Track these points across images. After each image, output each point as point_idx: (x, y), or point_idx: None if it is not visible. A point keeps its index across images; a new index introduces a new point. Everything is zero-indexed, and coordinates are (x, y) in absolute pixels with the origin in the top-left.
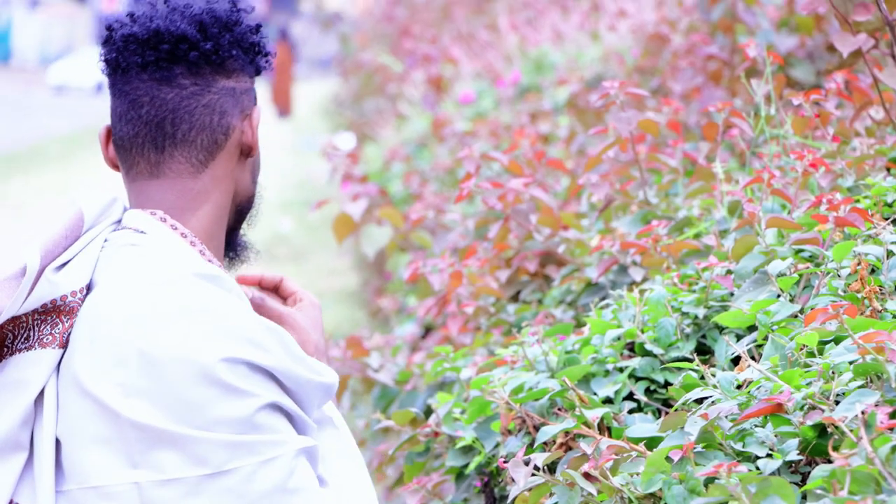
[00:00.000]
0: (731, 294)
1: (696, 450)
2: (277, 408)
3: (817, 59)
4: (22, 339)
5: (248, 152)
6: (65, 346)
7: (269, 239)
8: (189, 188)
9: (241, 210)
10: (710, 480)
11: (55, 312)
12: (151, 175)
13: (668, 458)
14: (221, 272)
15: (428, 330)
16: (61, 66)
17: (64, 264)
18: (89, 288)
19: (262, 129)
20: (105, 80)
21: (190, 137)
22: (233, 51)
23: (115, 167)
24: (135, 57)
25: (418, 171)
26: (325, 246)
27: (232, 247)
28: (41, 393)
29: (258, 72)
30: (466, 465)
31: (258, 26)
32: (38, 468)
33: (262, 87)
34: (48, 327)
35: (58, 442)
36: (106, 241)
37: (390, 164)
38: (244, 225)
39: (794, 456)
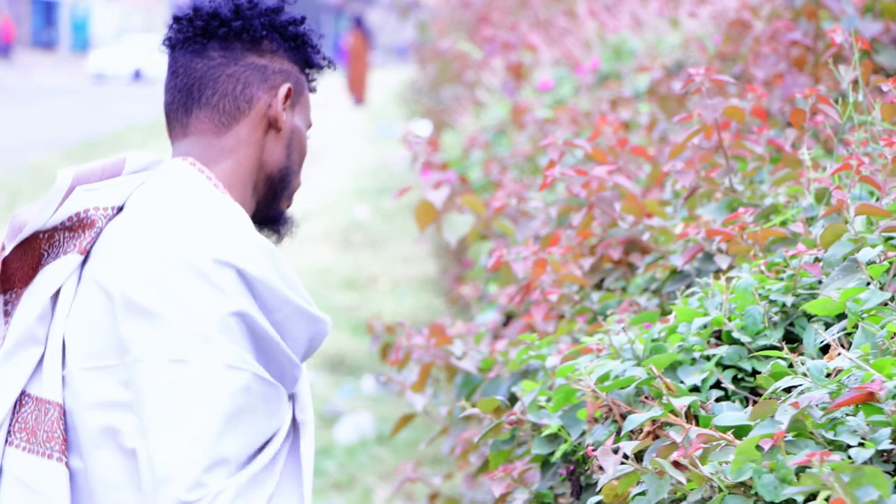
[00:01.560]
0: (820, 282)
1: (786, 438)
2: (247, 322)
3: None
4: (52, 256)
5: (275, 125)
6: (85, 253)
7: (345, 226)
8: (212, 144)
9: (271, 180)
10: (801, 469)
11: (80, 227)
12: (183, 135)
13: (758, 447)
14: (233, 202)
15: (509, 318)
16: (100, 54)
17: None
18: (120, 211)
19: (338, 116)
20: (141, 67)
21: (213, 102)
22: (266, 32)
23: None
24: (178, 34)
25: (497, 159)
26: (402, 233)
27: (271, 219)
28: (59, 293)
29: (309, 64)
30: (552, 454)
31: (303, 19)
32: (47, 358)
33: (337, 76)
34: (73, 241)
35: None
36: (143, 183)
37: (469, 152)
38: (282, 198)
39: (886, 445)
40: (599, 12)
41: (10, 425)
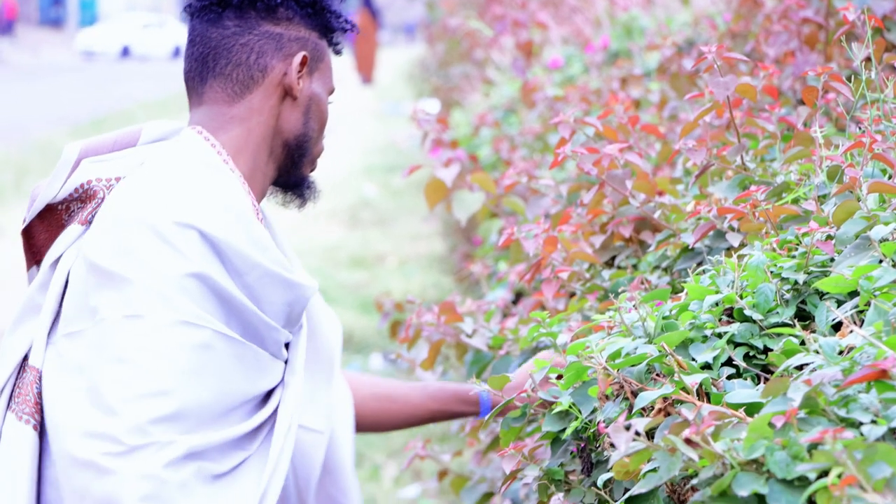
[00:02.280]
0: (832, 259)
1: (799, 416)
2: (208, 283)
3: None
4: (68, 227)
5: (291, 93)
6: (87, 223)
7: (353, 204)
8: (223, 112)
9: (289, 147)
10: (813, 447)
11: (86, 198)
12: (198, 104)
13: (770, 424)
14: (226, 168)
15: (519, 295)
16: (88, 32)
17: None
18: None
19: (346, 95)
20: (129, 45)
21: (226, 71)
22: (281, 0)
23: None
24: (196, 2)
25: (507, 137)
26: (410, 211)
27: (293, 185)
28: (58, 262)
29: (329, 28)
30: (563, 431)
31: None
32: (37, 325)
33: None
34: (81, 212)
35: None
36: (147, 154)
37: (479, 130)
38: (303, 164)
39: None
40: None
41: (11, 393)
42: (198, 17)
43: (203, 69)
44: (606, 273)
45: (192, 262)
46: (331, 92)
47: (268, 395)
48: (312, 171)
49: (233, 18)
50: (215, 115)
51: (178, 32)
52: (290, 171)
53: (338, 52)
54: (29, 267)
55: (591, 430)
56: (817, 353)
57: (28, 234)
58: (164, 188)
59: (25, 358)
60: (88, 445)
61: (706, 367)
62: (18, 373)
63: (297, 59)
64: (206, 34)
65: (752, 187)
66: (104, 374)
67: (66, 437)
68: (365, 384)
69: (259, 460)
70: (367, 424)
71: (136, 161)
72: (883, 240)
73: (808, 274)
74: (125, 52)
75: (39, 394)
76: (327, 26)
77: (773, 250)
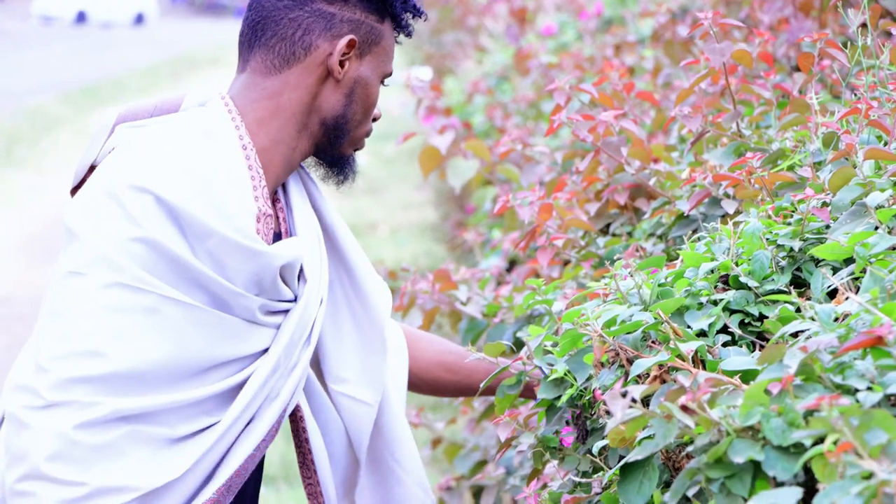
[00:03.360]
0: (828, 226)
1: (795, 383)
2: (157, 248)
3: None
4: None
5: (333, 74)
6: None
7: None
8: (257, 83)
9: (326, 126)
10: (809, 413)
11: None
12: (241, 70)
13: (766, 391)
14: (232, 138)
15: (513, 263)
16: None
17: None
18: None
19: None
20: (85, 10)
21: (270, 43)
22: None
23: None
24: None
25: (501, 104)
26: (402, 179)
27: (332, 163)
28: None
29: (392, 12)
30: (558, 398)
31: None
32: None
33: None
34: None
35: None
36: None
37: (472, 97)
38: (342, 144)
39: (894, 389)
40: None
41: None
42: None
43: (252, 37)
44: (601, 241)
45: (143, 227)
46: (386, 76)
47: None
48: (357, 150)
49: None
50: (250, 84)
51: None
52: (327, 150)
53: (408, 34)
54: None
55: (587, 398)
56: (813, 320)
57: None
58: (135, 154)
59: None
60: (14, 398)
61: (701, 334)
62: None
63: (343, 42)
64: (261, 2)
65: (748, 154)
66: (43, 328)
67: (3, 390)
68: (433, 349)
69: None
70: (423, 388)
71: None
72: (879, 206)
73: (804, 241)
74: (80, 17)
75: None
76: (390, 10)
77: (769, 217)
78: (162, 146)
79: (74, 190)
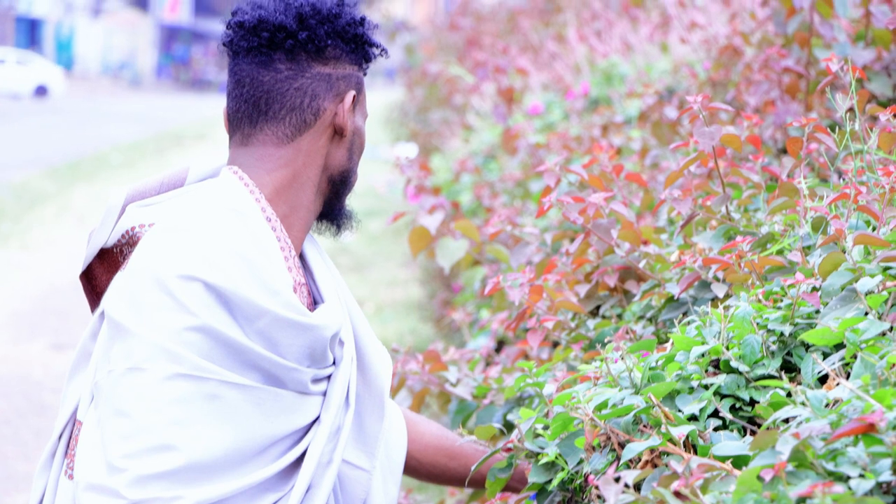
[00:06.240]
0: (818, 311)
1: (787, 469)
2: (212, 334)
3: (894, 73)
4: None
5: (340, 132)
6: None
7: (331, 248)
8: (270, 154)
9: (333, 181)
10: (802, 500)
11: (133, 244)
12: (243, 144)
13: (759, 478)
14: (256, 211)
15: (501, 343)
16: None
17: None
18: None
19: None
20: (45, 83)
21: (280, 115)
22: (330, 41)
23: None
24: (242, 42)
25: (488, 183)
26: (388, 256)
27: (336, 215)
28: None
29: (367, 59)
30: (549, 482)
31: (362, 19)
32: (88, 371)
33: None
34: (129, 258)
35: None
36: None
37: (459, 176)
38: (344, 196)
39: (887, 476)
40: (589, 36)
41: (67, 445)
42: (245, 58)
43: (254, 112)
44: (591, 322)
45: (196, 315)
46: (366, 118)
47: (307, 432)
48: (347, 198)
49: (284, 61)
50: (261, 156)
51: (41, 70)
52: (334, 204)
53: (363, 74)
54: (93, 310)
55: (578, 482)
56: (804, 405)
57: (89, 276)
58: (176, 239)
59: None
60: (91, 499)
61: (693, 418)
62: (74, 425)
63: (349, 98)
64: (257, 77)
65: (738, 238)
66: (109, 427)
67: (77, 491)
68: (432, 432)
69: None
70: (422, 472)
71: (178, 203)
72: (869, 292)
73: (795, 326)
74: (40, 90)
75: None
76: (366, 58)
77: (759, 301)
78: (198, 229)
79: (85, 274)
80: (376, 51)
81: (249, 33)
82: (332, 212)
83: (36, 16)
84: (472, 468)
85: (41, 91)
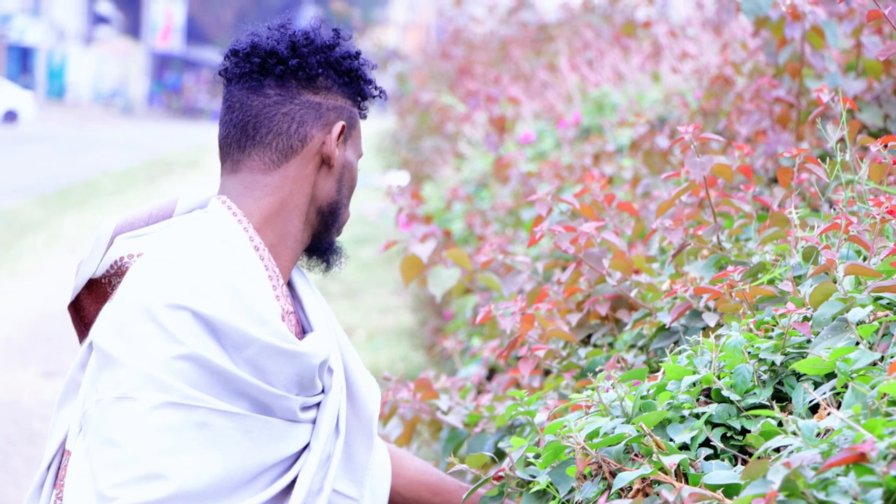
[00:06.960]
0: (809, 341)
1: (778, 499)
2: (200, 362)
3: (885, 104)
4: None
5: (328, 161)
6: None
7: (320, 276)
8: (257, 181)
9: (322, 213)
10: None
11: (121, 274)
12: (232, 171)
13: None
14: (244, 240)
15: (493, 372)
16: None
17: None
18: None
19: None
20: (15, 109)
21: (266, 140)
22: (321, 70)
23: None
24: (235, 68)
25: (479, 212)
26: (379, 283)
27: (325, 250)
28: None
29: (363, 96)
30: None
31: (357, 53)
32: (76, 402)
33: None
34: (118, 289)
35: None
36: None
37: (451, 204)
38: (333, 230)
39: None
40: (581, 66)
41: (56, 475)
42: (237, 84)
43: (243, 137)
44: (583, 351)
45: (184, 344)
46: (359, 156)
47: (297, 459)
48: (338, 235)
49: (274, 87)
50: (249, 183)
51: (8, 95)
52: (320, 237)
53: (363, 117)
54: (81, 341)
55: None
56: (795, 434)
57: (78, 307)
58: (164, 269)
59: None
60: None
61: (684, 447)
62: (63, 455)
63: (337, 128)
64: (246, 102)
65: (729, 267)
66: (98, 456)
67: None
68: (416, 467)
69: None
70: None
71: (168, 233)
72: (860, 322)
73: (786, 355)
74: (10, 115)
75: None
76: (361, 94)
77: (750, 331)
78: (187, 259)
79: (73, 304)
80: (373, 89)
81: (242, 60)
82: (320, 246)
83: (28, 44)
84: (464, 496)
85: (10, 116)
